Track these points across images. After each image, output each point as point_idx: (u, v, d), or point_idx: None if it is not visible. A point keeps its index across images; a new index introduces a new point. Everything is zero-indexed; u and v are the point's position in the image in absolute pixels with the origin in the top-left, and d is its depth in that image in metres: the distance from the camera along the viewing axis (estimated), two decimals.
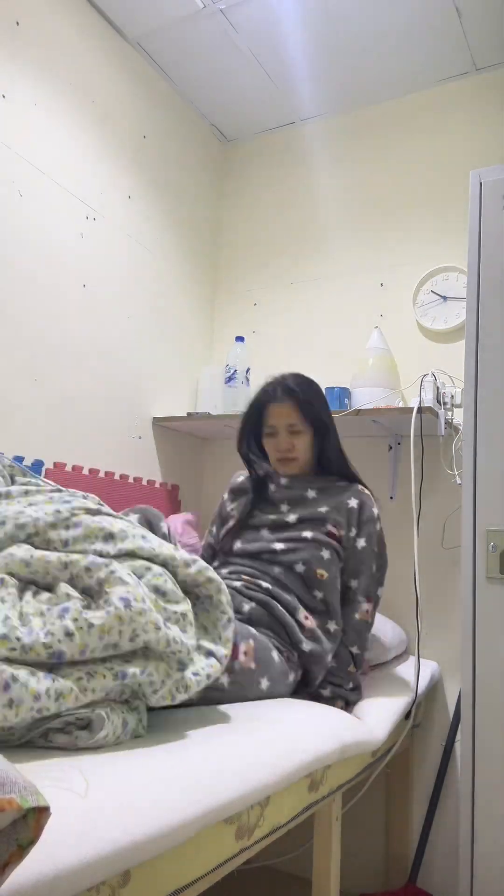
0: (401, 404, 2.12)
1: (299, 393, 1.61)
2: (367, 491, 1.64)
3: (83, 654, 0.89)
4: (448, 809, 1.98)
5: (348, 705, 1.51)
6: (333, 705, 1.46)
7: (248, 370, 2.39)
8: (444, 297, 2.23)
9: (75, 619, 0.89)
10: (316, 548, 1.52)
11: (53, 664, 0.88)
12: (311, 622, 1.46)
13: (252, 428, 1.69)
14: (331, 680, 1.50)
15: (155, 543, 1.08)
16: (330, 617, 1.50)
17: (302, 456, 1.63)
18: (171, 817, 0.80)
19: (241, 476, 1.77)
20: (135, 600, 0.95)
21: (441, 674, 2.07)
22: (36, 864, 0.63)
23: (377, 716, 1.49)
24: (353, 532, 1.58)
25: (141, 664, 0.95)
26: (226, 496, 1.77)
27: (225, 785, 0.93)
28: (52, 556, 0.98)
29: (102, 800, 0.76)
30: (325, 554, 1.52)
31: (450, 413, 2.04)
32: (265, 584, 1.47)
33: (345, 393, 2.16)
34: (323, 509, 1.58)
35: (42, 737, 0.87)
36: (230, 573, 1.53)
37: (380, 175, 2.45)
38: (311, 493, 1.62)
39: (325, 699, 1.47)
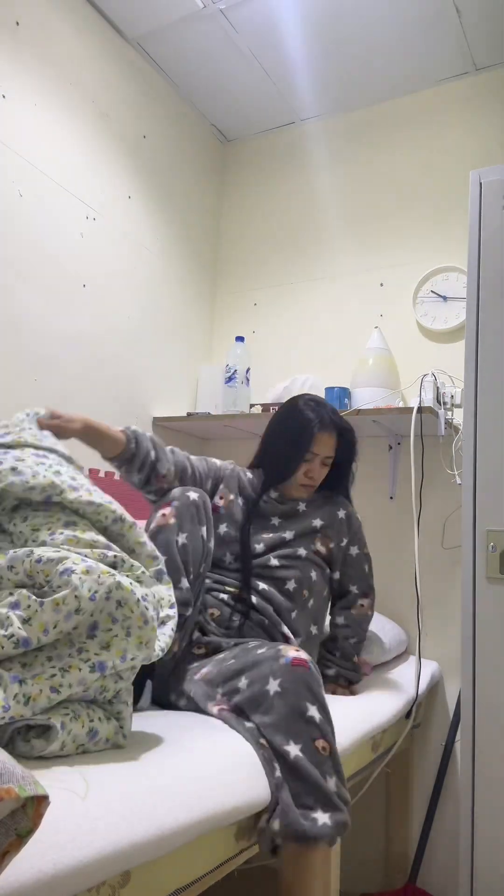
0: (401, 404, 2.12)
1: (347, 431, 1.63)
2: (348, 500, 1.72)
3: (47, 632, 0.86)
4: (448, 809, 1.98)
5: (351, 683, 1.60)
6: (337, 682, 1.58)
7: (248, 370, 2.39)
8: (444, 297, 2.23)
9: (28, 607, 0.88)
10: (307, 567, 1.56)
11: (24, 657, 0.87)
12: (290, 636, 1.50)
13: (297, 451, 1.59)
14: (335, 664, 1.60)
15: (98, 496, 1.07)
16: (301, 631, 1.54)
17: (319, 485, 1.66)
18: (171, 821, 0.80)
19: (246, 474, 1.70)
20: (75, 563, 0.92)
21: (441, 674, 2.07)
22: (36, 863, 0.63)
23: (378, 703, 1.55)
24: (345, 541, 1.65)
25: (119, 648, 0.91)
26: (225, 470, 1.67)
27: (228, 791, 0.93)
28: None
29: (103, 801, 0.76)
30: (314, 575, 1.57)
31: (450, 413, 2.04)
32: (252, 599, 1.49)
33: (345, 393, 2.16)
34: (317, 523, 1.62)
35: (9, 742, 0.84)
36: (216, 583, 1.52)
37: (380, 175, 2.45)
38: (301, 507, 1.64)
39: (330, 678, 1.57)
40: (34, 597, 0.89)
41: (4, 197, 1.80)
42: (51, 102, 1.96)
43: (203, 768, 0.95)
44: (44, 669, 0.86)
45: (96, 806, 0.74)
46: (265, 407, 2.21)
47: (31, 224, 1.88)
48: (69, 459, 1.15)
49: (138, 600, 0.94)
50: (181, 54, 2.32)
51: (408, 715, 1.71)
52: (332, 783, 1.05)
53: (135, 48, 2.30)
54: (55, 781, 0.77)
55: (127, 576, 0.98)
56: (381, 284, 2.39)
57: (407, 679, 1.79)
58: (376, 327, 2.27)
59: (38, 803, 0.58)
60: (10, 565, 0.93)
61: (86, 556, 0.96)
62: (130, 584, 0.95)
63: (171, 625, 1.06)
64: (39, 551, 0.94)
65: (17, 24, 1.85)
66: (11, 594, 0.90)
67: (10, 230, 1.82)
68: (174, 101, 2.52)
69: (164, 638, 1.02)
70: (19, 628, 0.85)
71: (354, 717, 1.38)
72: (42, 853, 0.64)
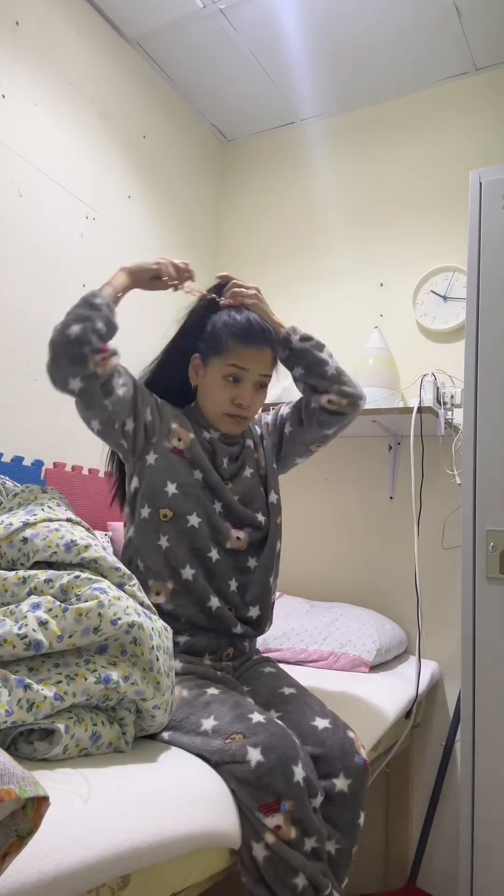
0: (401, 404, 2.12)
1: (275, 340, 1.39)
2: None
3: (61, 639, 0.87)
4: (448, 809, 1.98)
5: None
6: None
7: None
8: (444, 297, 2.23)
9: (49, 609, 0.88)
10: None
11: (32, 661, 0.87)
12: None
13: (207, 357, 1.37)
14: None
15: (112, 559, 1.07)
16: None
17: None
18: (172, 829, 0.79)
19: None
20: (111, 588, 0.95)
21: (441, 674, 2.07)
22: (37, 863, 0.63)
23: (379, 703, 1.50)
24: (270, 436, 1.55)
25: (126, 669, 0.92)
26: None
27: (229, 810, 0.92)
28: (9, 573, 0.97)
29: (105, 804, 0.75)
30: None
31: (450, 413, 2.04)
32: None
33: None
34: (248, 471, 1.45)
35: (11, 744, 0.85)
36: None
37: (380, 175, 2.45)
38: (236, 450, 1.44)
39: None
40: (59, 602, 0.90)
41: (4, 197, 1.80)
42: (51, 102, 1.95)
43: (211, 782, 0.94)
44: (50, 675, 0.86)
45: (98, 809, 0.74)
46: (265, 407, 2.20)
47: (31, 224, 1.88)
48: (78, 522, 1.17)
49: (152, 647, 0.95)
50: (181, 54, 2.32)
51: (408, 715, 1.71)
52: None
53: (135, 48, 2.30)
54: (58, 783, 0.77)
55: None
56: (381, 284, 2.39)
57: (407, 679, 1.79)
58: (376, 327, 2.27)
59: (39, 804, 0.58)
60: (48, 579, 0.95)
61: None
62: (151, 629, 0.97)
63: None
64: (81, 572, 0.97)
65: (17, 24, 1.85)
66: (37, 597, 0.92)
67: (10, 230, 1.82)
68: (174, 101, 2.51)
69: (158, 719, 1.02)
70: (34, 630, 0.85)
71: (356, 717, 1.38)
72: (44, 854, 0.64)
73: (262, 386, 1.38)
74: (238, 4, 2.08)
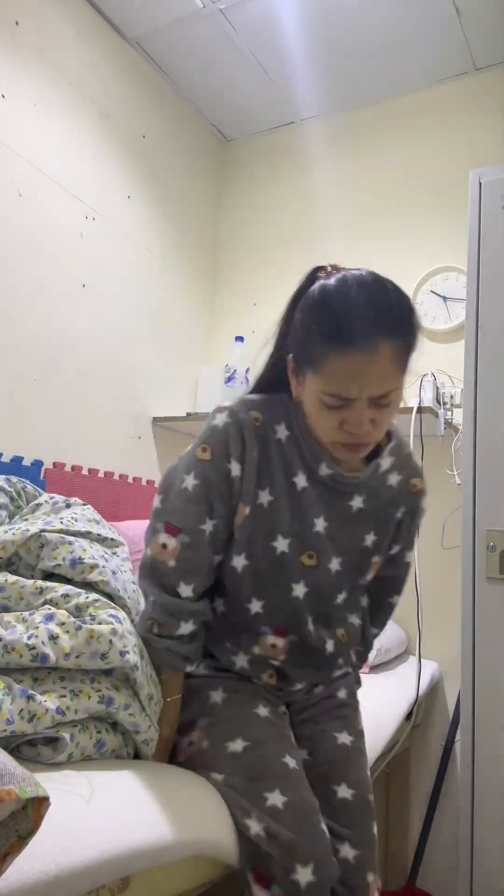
0: (400, 404, 2.12)
1: (413, 334, 0.93)
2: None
3: (68, 657, 0.86)
4: (448, 809, 1.98)
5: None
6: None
7: (247, 370, 2.39)
8: (444, 297, 2.23)
9: (62, 623, 0.88)
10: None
11: (37, 672, 0.87)
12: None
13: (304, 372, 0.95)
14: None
15: (119, 584, 1.04)
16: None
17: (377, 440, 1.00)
18: (173, 832, 0.79)
19: (269, 425, 1.04)
20: (125, 619, 0.95)
21: (441, 674, 2.07)
22: (38, 864, 0.63)
23: (381, 707, 1.49)
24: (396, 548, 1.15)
25: (128, 698, 0.91)
26: (231, 450, 1.01)
27: (228, 822, 0.91)
28: (27, 581, 0.97)
29: (107, 806, 0.75)
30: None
31: (450, 413, 2.04)
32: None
33: None
34: (369, 540, 1.07)
35: (15, 749, 0.84)
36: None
37: (379, 175, 2.45)
38: (356, 502, 1.06)
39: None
40: (73, 618, 0.89)
41: (4, 197, 1.80)
42: (51, 102, 1.95)
43: (213, 789, 0.94)
44: (55, 688, 0.85)
45: (100, 810, 0.74)
46: None
47: (30, 224, 1.88)
48: (100, 539, 1.16)
49: (149, 695, 0.95)
50: (181, 54, 2.32)
51: (408, 715, 1.71)
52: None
53: (134, 48, 2.30)
54: (60, 784, 0.77)
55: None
56: None
57: (407, 679, 1.79)
58: None
59: (39, 805, 0.58)
60: (65, 594, 0.95)
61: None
62: (150, 675, 0.96)
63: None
64: (99, 595, 0.97)
65: (17, 24, 1.85)
66: (52, 608, 0.92)
67: (10, 230, 1.81)
68: (174, 101, 2.51)
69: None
70: (43, 644, 0.85)
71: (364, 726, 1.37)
72: (44, 854, 0.64)
73: (384, 405, 0.96)
74: (238, 4, 2.07)
